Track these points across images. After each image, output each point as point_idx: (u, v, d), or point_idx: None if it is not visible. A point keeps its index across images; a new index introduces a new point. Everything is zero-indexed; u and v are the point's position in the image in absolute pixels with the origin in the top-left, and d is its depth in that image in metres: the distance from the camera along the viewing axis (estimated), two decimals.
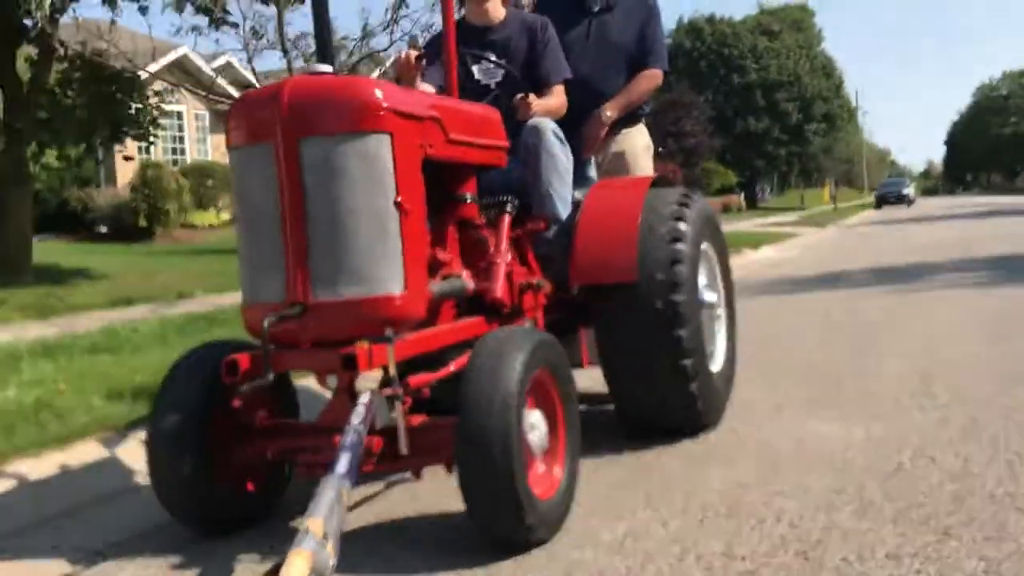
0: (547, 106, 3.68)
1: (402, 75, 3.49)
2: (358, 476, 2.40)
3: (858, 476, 3.04)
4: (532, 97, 3.57)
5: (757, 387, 4.48)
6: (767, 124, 46.85)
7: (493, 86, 3.76)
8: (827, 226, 27.81)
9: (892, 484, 2.94)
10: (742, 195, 46.59)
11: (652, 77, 4.22)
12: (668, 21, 52.19)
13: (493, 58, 3.73)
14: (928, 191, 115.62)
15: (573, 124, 3.87)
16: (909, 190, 53.23)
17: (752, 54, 47.37)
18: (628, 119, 4.26)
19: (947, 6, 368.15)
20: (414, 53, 3.43)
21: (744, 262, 13.38)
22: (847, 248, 16.66)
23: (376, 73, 15.79)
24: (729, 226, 25.07)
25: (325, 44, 2.81)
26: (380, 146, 2.64)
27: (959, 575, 2.24)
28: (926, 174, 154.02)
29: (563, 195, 3.56)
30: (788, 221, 30.19)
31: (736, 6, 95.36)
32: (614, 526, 2.74)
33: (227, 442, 2.82)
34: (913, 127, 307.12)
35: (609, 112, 4.05)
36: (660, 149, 28.98)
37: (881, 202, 50.51)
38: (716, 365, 3.80)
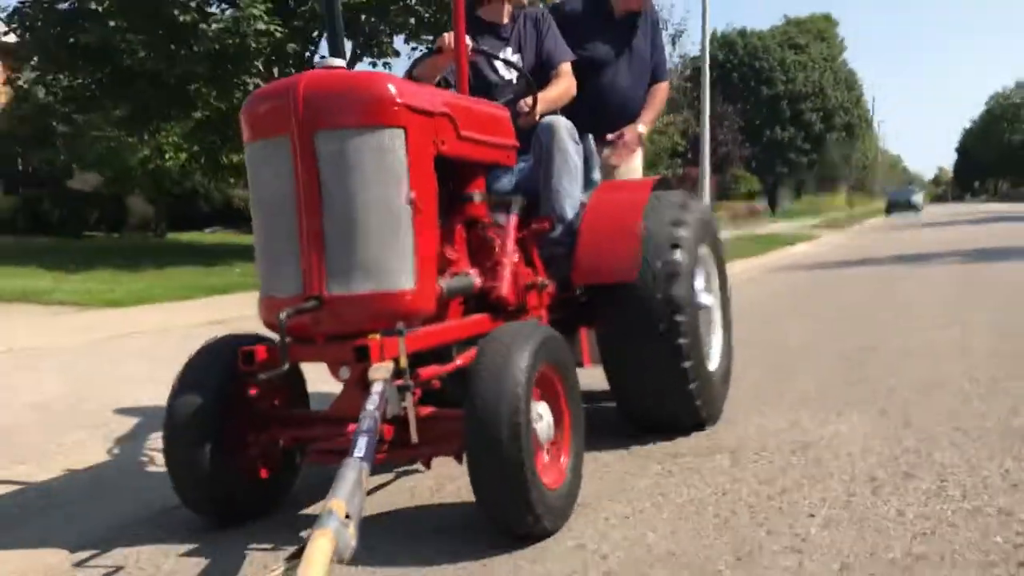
0: (552, 98, 3.59)
1: (445, 54, 3.40)
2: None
3: (863, 470, 2.96)
4: (538, 99, 3.48)
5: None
6: (792, 133, 47.71)
7: (514, 80, 3.69)
8: (846, 229, 29.85)
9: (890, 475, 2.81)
10: (765, 201, 47.53)
11: (665, 90, 4.31)
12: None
13: (512, 58, 3.67)
14: (937, 198, 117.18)
15: (594, 124, 3.82)
16: (917, 198, 54.62)
17: (781, 67, 48.39)
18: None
19: (961, 15, 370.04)
20: (468, 39, 3.31)
21: (788, 254, 17.56)
22: (867, 245, 19.54)
23: None
24: (763, 229, 28.27)
25: (336, 38, 2.74)
26: (394, 140, 2.58)
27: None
28: (936, 181, 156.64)
29: (572, 195, 3.47)
30: (811, 224, 32.01)
31: (764, 17, 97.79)
32: (617, 519, 2.67)
33: (242, 431, 2.75)
34: (925, 134, 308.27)
35: (643, 128, 4.09)
36: (688, 155, 32.74)
37: (891, 209, 51.59)
38: (713, 364, 3.75)
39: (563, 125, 3.45)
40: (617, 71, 4.03)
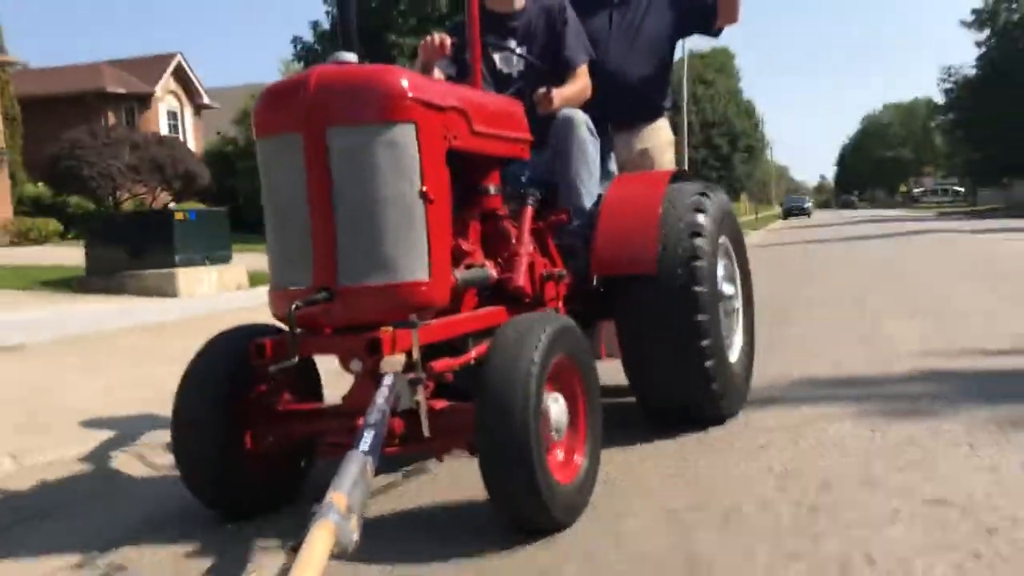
0: (568, 96, 3.32)
1: (429, 57, 3.24)
2: (381, 457, 2.15)
3: (881, 465, 2.77)
4: (554, 92, 3.22)
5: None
6: (704, 155, 53.26)
7: (515, 75, 3.45)
8: (754, 231, 33.61)
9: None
10: None
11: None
12: None
13: (517, 49, 3.45)
14: (822, 204, 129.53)
15: (603, 113, 3.52)
16: (808, 204, 65.16)
17: (692, 99, 59.52)
18: (651, 114, 3.97)
19: (837, 40, 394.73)
20: (448, 39, 3.12)
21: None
22: (776, 239, 24.29)
23: None
24: None
25: (349, 33, 2.66)
26: (406, 135, 2.42)
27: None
28: (819, 189, 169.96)
29: (590, 187, 3.29)
30: None
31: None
32: (635, 513, 2.47)
33: (252, 425, 2.53)
34: (809, 145, 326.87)
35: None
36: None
37: (787, 214, 59.06)
38: (734, 355, 3.47)
39: (581, 119, 3.25)
40: (606, 50, 3.79)
